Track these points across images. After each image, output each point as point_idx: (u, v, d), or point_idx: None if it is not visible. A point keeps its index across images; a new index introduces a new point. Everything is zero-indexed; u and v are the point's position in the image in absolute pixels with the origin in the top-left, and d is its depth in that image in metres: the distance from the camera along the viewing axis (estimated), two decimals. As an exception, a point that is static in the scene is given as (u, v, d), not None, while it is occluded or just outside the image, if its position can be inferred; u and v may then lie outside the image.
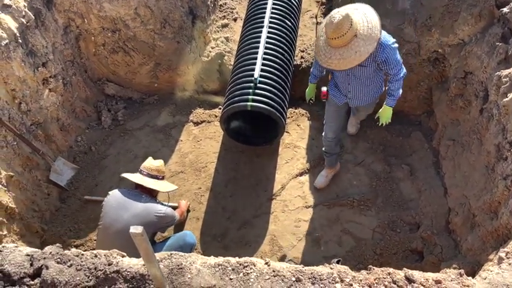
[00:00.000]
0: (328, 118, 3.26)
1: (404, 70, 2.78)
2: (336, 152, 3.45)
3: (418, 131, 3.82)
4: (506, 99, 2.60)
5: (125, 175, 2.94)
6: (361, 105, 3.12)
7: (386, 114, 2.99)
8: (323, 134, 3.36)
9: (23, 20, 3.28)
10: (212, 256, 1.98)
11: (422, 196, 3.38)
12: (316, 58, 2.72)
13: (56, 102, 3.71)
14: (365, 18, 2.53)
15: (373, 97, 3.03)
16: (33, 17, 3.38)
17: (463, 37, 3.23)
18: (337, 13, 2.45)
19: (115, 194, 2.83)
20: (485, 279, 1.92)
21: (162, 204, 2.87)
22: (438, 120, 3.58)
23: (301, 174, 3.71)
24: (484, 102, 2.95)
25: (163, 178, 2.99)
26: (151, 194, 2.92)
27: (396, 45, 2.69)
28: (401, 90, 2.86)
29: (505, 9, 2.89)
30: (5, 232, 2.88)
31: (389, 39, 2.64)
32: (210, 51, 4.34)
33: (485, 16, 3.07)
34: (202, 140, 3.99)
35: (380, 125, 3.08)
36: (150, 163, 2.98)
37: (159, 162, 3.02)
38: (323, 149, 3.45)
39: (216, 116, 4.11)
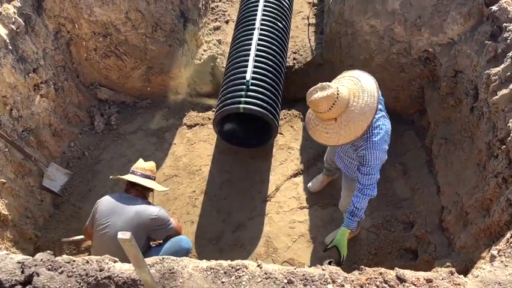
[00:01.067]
0: (328, 152, 3.21)
1: (378, 176, 2.33)
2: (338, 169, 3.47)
3: (411, 130, 3.82)
4: (496, 97, 2.62)
5: (118, 176, 2.90)
6: (341, 169, 2.84)
7: (341, 240, 2.42)
8: (325, 157, 3.29)
9: (13, 26, 3.26)
10: (204, 260, 1.98)
11: (416, 195, 3.39)
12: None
13: (47, 108, 3.70)
14: (362, 92, 2.20)
15: (348, 170, 2.73)
16: (23, 23, 3.36)
17: (453, 36, 3.24)
18: (323, 87, 2.12)
19: (104, 200, 2.79)
20: (477, 277, 1.92)
21: (155, 206, 2.85)
22: (430, 119, 3.59)
23: (295, 175, 3.71)
24: (474, 101, 2.97)
25: (154, 179, 2.97)
26: (144, 196, 2.90)
27: (385, 156, 2.36)
28: (363, 214, 2.39)
29: (494, 7, 2.90)
30: (-2, 239, 2.87)
31: (382, 144, 2.31)
32: (202, 54, 4.34)
33: (475, 15, 3.08)
34: (196, 143, 3.99)
35: (341, 261, 2.45)
36: (143, 164, 2.94)
37: (151, 163, 2.99)
38: (324, 165, 3.37)
39: (210, 119, 4.11)
